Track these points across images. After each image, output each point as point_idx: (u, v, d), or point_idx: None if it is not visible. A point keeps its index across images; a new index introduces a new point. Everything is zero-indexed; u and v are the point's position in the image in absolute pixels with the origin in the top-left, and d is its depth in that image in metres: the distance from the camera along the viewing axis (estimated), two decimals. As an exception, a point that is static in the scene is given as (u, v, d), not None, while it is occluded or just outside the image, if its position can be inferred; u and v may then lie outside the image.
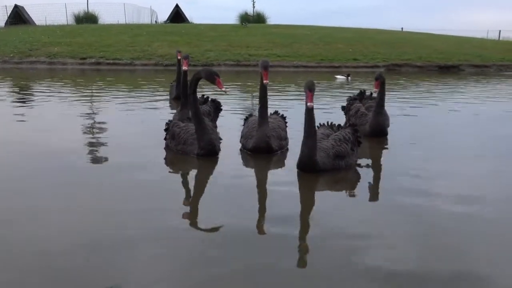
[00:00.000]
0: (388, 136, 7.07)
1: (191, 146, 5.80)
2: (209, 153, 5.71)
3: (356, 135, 5.50)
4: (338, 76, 17.25)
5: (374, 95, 7.22)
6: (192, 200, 4.47)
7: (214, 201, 4.36)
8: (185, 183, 5.03)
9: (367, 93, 7.95)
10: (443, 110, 10.00)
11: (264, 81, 5.68)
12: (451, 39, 30.23)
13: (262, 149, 5.83)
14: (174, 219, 3.92)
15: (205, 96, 7.83)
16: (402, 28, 40.22)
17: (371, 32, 30.80)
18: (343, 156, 5.23)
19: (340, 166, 5.21)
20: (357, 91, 8.24)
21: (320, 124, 5.85)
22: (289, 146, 6.21)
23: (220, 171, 5.36)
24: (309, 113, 4.96)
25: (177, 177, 5.31)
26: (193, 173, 5.40)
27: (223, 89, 5.58)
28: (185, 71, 7.74)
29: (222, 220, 3.85)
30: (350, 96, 8.02)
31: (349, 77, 16.63)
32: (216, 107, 7.70)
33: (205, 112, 7.03)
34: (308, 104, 4.79)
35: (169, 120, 6.34)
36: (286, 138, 6.24)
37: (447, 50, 24.34)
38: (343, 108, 7.80)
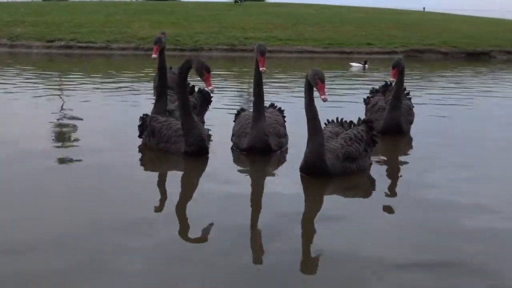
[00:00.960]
0: (409, 135, 7.05)
1: (176, 144, 5.76)
2: (199, 149, 5.67)
3: (371, 133, 5.47)
4: (353, 64, 17.16)
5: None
6: (179, 208, 4.46)
7: (204, 211, 4.34)
8: (170, 188, 5.01)
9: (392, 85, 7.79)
10: (472, 106, 9.94)
11: (261, 68, 5.62)
12: (480, 21, 30.25)
13: (259, 149, 5.79)
14: (160, 228, 3.91)
15: (190, 85, 7.55)
16: (424, 8, 40.29)
17: (388, 13, 30.79)
18: (355, 157, 5.21)
19: (351, 169, 5.19)
20: (374, 81, 8.16)
21: (328, 120, 5.82)
22: (288, 145, 6.19)
23: (210, 175, 5.34)
24: (311, 107, 4.97)
25: (161, 181, 5.29)
26: (178, 175, 5.38)
27: (211, 87, 5.50)
28: (155, 59, 7.07)
29: (212, 235, 3.83)
30: (373, 88, 7.98)
31: (366, 65, 16.56)
32: (204, 99, 7.44)
33: (191, 104, 6.93)
34: (322, 97, 4.73)
35: (144, 114, 6.24)
36: (285, 135, 6.21)
37: (476, 34, 24.32)
38: (364, 101, 7.75)
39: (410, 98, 7.52)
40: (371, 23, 25.39)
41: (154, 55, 6.98)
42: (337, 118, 5.81)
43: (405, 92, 7.57)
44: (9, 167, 5.28)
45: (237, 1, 31.74)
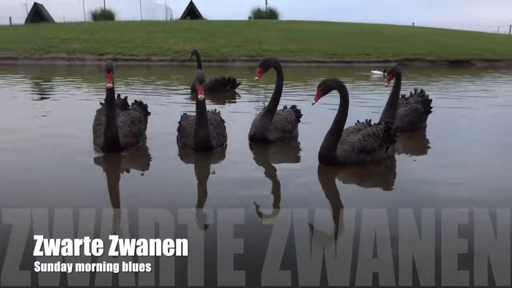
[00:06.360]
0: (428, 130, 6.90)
1: (189, 139, 5.58)
2: (202, 148, 5.46)
3: (389, 132, 5.30)
4: (374, 71, 16.16)
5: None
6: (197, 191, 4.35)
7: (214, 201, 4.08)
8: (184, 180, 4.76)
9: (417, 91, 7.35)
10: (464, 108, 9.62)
11: (255, 78, 5.86)
12: (462, 34, 29.80)
13: (258, 139, 5.92)
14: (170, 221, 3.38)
15: (119, 95, 6.19)
16: (413, 23, 39.75)
17: (384, 28, 30.49)
18: (369, 151, 5.14)
19: (364, 161, 5.13)
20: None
21: (358, 121, 5.70)
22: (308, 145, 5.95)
23: (224, 164, 5.26)
24: (342, 109, 4.98)
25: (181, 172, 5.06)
26: (191, 169, 5.24)
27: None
28: (110, 89, 5.30)
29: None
30: (403, 95, 7.42)
31: (386, 73, 16.05)
32: (144, 112, 6.19)
33: (135, 118, 5.84)
34: (313, 102, 4.97)
35: (184, 113, 6.16)
36: (291, 131, 6.14)
37: (458, 45, 23.98)
38: None
39: (427, 102, 7.02)
40: (369, 37, 25.20)
41: (109, 84, 5.27)
42: (366, 120, 5.64)
43: (428, 98, 7.10)
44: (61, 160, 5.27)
45: (249, 18, 31.79)
